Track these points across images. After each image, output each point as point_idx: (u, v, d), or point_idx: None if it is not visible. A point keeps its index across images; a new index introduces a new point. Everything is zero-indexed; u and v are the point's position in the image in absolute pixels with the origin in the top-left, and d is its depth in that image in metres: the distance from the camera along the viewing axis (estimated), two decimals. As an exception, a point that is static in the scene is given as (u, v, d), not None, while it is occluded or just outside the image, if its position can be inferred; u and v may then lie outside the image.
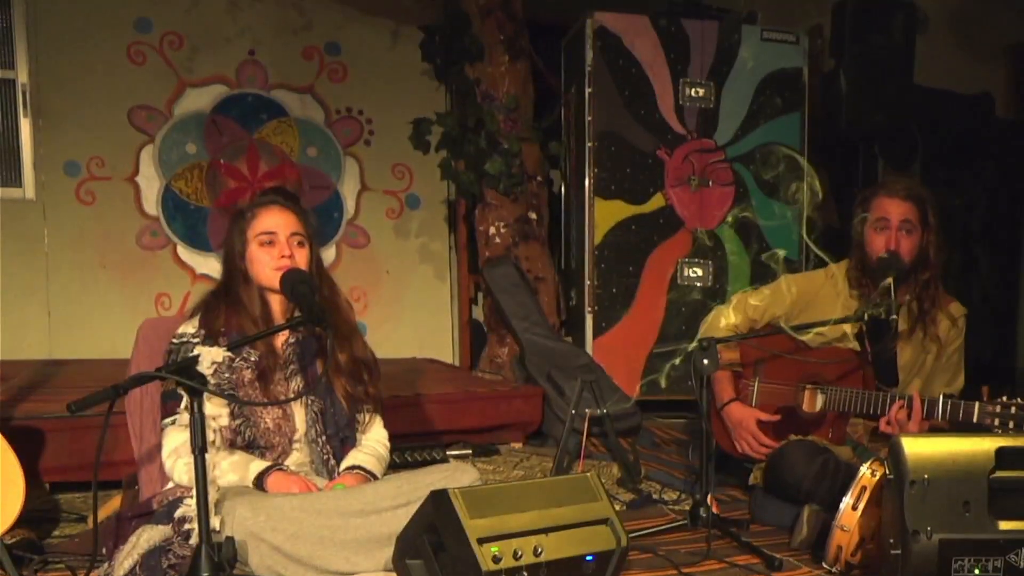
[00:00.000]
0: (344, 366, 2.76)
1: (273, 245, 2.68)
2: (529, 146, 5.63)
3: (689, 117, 5.49)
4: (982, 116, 6.33)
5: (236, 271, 2.72)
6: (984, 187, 6.21)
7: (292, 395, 2.69)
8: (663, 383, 3.14)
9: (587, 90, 5.33)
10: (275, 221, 2.70)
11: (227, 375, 2.63)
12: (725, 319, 3.38)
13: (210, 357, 2.59)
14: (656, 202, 5.47)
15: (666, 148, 5.46)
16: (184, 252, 5.59)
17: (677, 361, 3.06)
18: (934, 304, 3.25)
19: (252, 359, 2.66)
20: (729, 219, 5.55)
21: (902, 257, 3.14)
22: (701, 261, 5.49)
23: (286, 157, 5.83)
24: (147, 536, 2.51)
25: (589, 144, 5.35)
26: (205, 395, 2.28)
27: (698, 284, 5.47)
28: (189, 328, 2.70)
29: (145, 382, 2.43)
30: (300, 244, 2.73)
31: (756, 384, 3.39)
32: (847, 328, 3.24)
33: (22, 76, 5.31)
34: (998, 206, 6.18)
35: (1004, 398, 2.76)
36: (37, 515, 3.11)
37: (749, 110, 5.56)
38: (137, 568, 2.45)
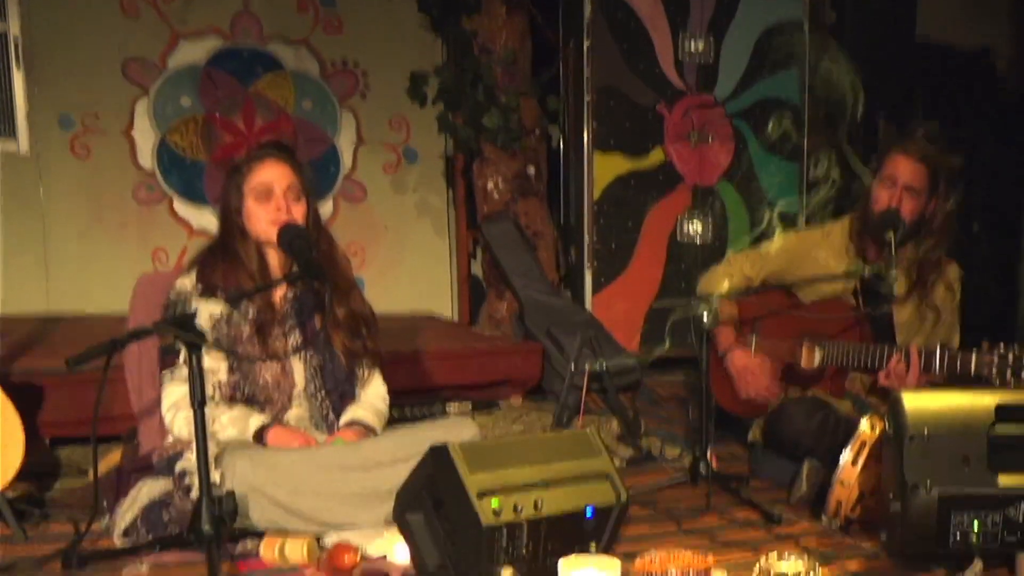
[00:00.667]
0: (342, 320, 2.76)
1: (269, 199, 2.66)
2: (527, 100, 5.57)
3: (688, 72, 5.43)
4: (983, 72, 6.27)
5: (233, 226, 2.70)
6: (985, 143, 6.17)
7: (291, 350, 2.69)
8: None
9: (585, 43, 5.26)
10: (271, 175, 2.68)
11: (225, 330, 2.63)
12: (721, 279, 3.37)
13: (208, 311, 2.59)
14: (655, 157, 5.43)
15: (665, 103, 5.41)
16: (180, 207, 5.54)
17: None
18: (934, 273, 3.23)
19: (250, 314, 2.66)
20: (728, 174, 5.52)
21: (902, 216, 3.12)
22: (701, 217, 5.47)
23: (282, 111, 5.77)
24: (147, 490, 2.53)
25: (587, 98, 5.30)
26: (204, 349, 2.28)
27: (698, 240, 5.45)
28: (187, 282, 2.69)
29: (143, 336, 2.42)
30: (297, 198, 2.70)
31: (754, 340, 3.38)
32: (844, 285, 3.23)
33: (14, 28, 5.23)
34: (999, 162, 6.14)
35: (1002, 345, 2.75)
36: (37, 470, 3.11)
37: (749, 65, 5.50)
38: (138, 521, 2.46)
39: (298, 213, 2.69)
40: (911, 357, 2.91)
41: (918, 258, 3.19)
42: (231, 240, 2.70)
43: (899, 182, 3.14)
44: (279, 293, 2.75)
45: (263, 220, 2.66)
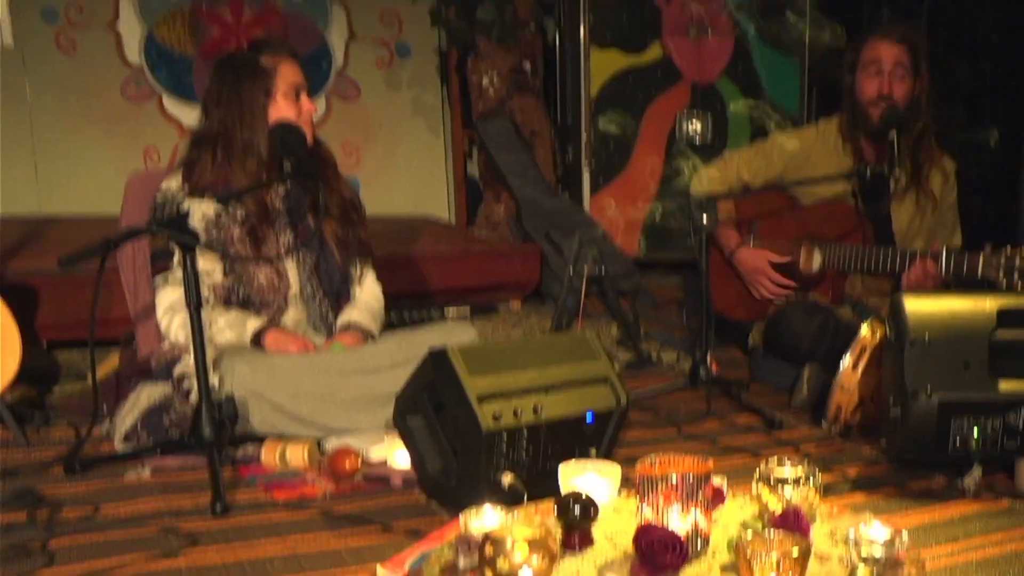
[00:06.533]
0: (334, 211, 2.74)
1: (298, 98, 2.65)
2: (522, -9, 5.43)
3: (687, -40, 5.29)
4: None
5: (252, 123, 2.61)
6: (991, 40, 6.04)
7: (283, 250, 2.67)
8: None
9: (581, -69, 5.12)
10: (297, 73, 2.67)
11: (215, 233, 2.59)
12: (715, 181, 3.32)
13: (200, 211, 2.55)
14: (653, 52, 5.33)
15: (663, -7, 5.29)
16: (170, 104, 5.45)
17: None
18: (928, 157, 3.18)
19: (240, 215, 2.62)
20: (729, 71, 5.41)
21: (897, 102, 3.07)
22: (700, 114, 5.38)
23: (271, 3, 5.62)
24: (147, 394, 2.53)
25: (583, -12, 5.18)
26: (198, 250, 2.25)
27: (697, 139, 5.38)
28: (172, 183, 2.64)
29: (136, 236, 2.40)
30: (308, 97, 2.68)
31: (751, 243, 3.34)
32: (843, 186, 3.19)
33: (-7, -83, 5.06)
34: (1007, 55, 6.02)
35: (1008, 248, 2.73)
36: (36, 373, 3.10)
37: (750, -48, 5.36)
38: (139, 426, 2.47)
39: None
40: (929, 269, 2.88)
41: (911, 144, 3.14)
42: (247, 136, 2.60)
43: (885, 67, 3.09)
44: (270, 193, 2.70)
45: (292, 120, 2.62)
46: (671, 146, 5.35)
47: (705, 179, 3.37)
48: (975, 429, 2.14)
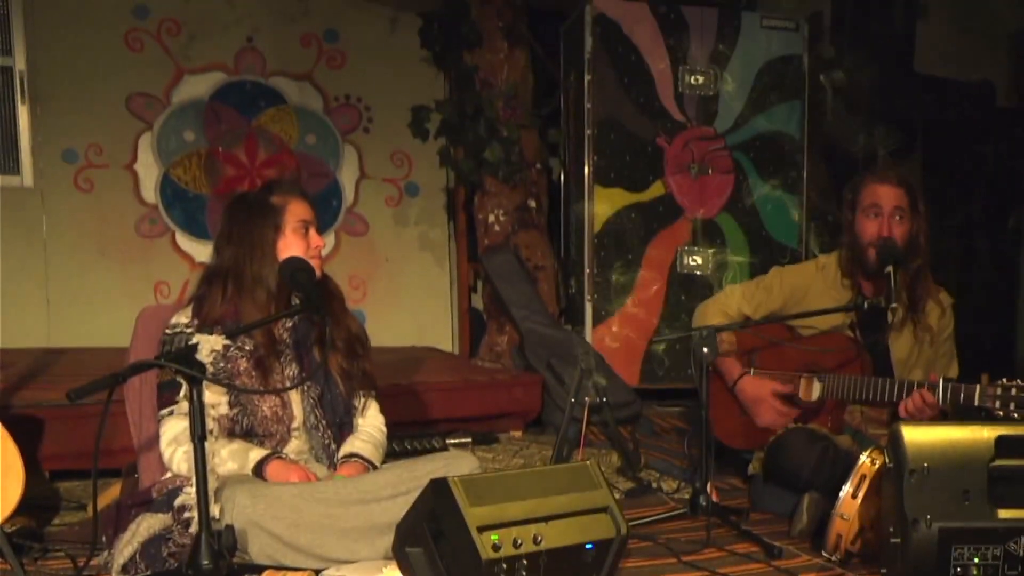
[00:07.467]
0: (339, 344, 2.77)
1: (307, 234, 2.72)
2: (528, 133, 5.61)
3: (689, 104, 5.47)
4: (983, 104, 6.30)
5: (264, 257, 2.68)
6: (984, 176, 6.19)
7: (289, 382, 2.69)
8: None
9: (586, 77, 5.30)
10: (307, 211, 2.74)
11: (223, 365, 2.63)
12: (716, 314, 3.38)
13: (209, 345, 2.59)
14: (656, 190, 5.45)
15: (666, 136, 5.44)
16: (183, 240, 5.58)
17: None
18: (925, 292, 3.24)
19: (247, 348, 2.66)
20: (729, 207, 5.54)
21: (896, 242, 3.14)
22: (701, 249, 5.48)
23: (284, 145, 5.81)
24: (147, 524, 2.52)
25: (588, 131, 5.33)
26: (204, 383, 2.28)
27: (698, 272, 5.46)
28: (182, 318, 2.68)
29: (145, 370, 2.43)
30: (318, 234, 2.76)
31: (752, 373, 3.38)
32: (842, 319, 3.24)
33: (20, 63, 5.29)
34: (998, 195, 6.16)
35: (1004, 380, 2.76)
36: (37, 503, 3.10)
37: (749, 98, 5.54)
38: (137, 556, 2.45)
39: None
40: (927, 398, 2.90)
41: (909, 281, 3.19)
42: (257, 270, 2.67)
43: (885, 210, 3.17)
44: (279, 326, 2.75)
45: (302, 256, 2.69)
46: (672, 278, 5.43)
47: (706, 312, 3.42)
48: (975, 557, 2.13)
